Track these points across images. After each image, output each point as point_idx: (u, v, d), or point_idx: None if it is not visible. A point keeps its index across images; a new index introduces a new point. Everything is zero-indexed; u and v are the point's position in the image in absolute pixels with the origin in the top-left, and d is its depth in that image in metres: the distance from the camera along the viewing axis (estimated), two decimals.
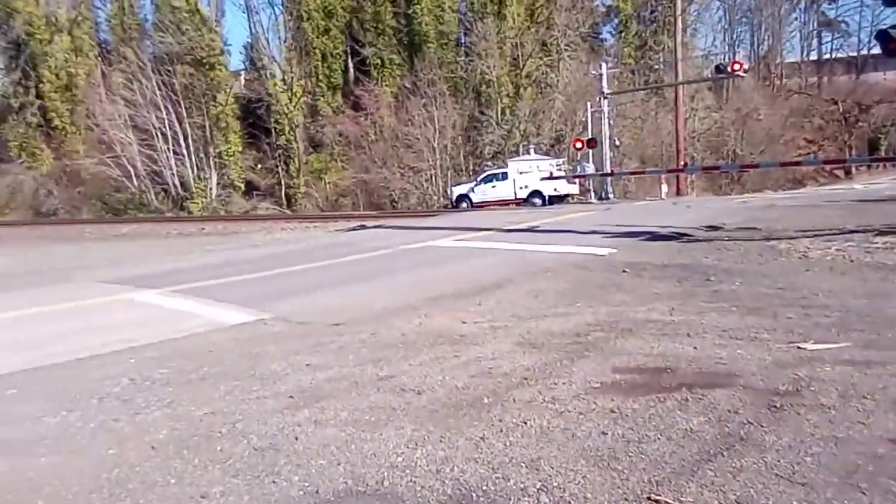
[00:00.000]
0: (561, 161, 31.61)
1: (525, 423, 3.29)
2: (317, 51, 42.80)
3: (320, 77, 43.15)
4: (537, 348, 4.60)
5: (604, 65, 30.29)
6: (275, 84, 41.20)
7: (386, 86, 42.70)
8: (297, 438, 3.29)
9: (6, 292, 9.52)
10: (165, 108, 39.91)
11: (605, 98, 28.73)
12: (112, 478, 2.99)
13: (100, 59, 45.59)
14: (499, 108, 39.64)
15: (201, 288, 8.15)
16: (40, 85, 42.45)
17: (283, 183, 41.34)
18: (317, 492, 2.73)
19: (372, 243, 12.27)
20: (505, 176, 30.41)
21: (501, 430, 3.21)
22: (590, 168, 27.08)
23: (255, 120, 41.90)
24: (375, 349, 4.89)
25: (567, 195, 29.76)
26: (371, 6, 43.23)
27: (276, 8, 44.17)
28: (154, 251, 16.24)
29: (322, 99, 43.07)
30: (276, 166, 41.62)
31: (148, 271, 10.86)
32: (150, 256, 14.73)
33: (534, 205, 27.94)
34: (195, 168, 40.36)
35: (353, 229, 17.56)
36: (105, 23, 47.00)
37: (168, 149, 40.05)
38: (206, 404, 3.90)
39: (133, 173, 40.38)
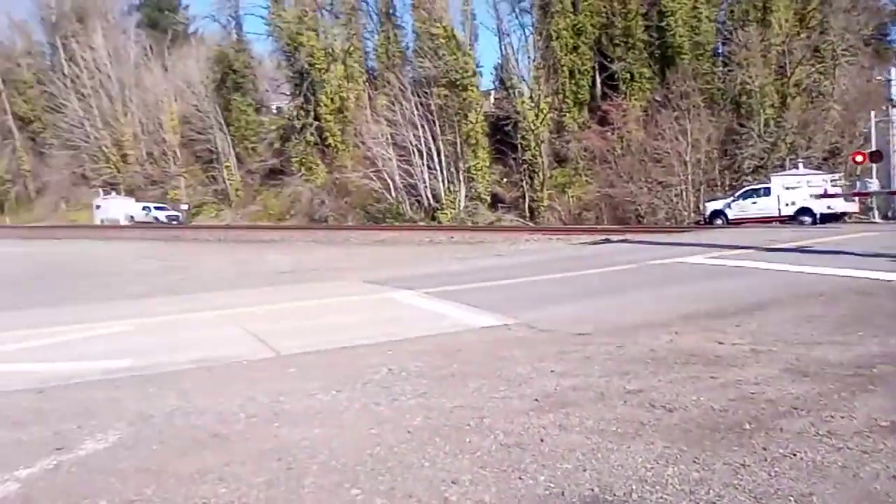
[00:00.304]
0: (837, 176, 28.12)
1: (794, 454, 2.95)
2: (565, 68, 43.08)
3: (567, 93, 43.37)
4: (809, 377, 4.11)
5: (893, 70, 26.50)
6: (522, 102, 42.25)
7: (635, 99, 41.62)
8: (542, 440, 3.29)
9: (290, 286, 10.91)
10: (422, 126, 42.96)
11: (893, 107, 25.12)
12: (373, 454, 3.24)
13: (367, 84, 50.59)
14: (761, 120, 36.49)
15: (451, 291, 8.57)
16: (318, 108, 48.11)
17: (526, 196, 42.17)
18: (563, 493, 2.70)
19: (617, 257, 11.98)
20: (767, 191, 27.90)
21: (765, 459, 2.92)
22: (873, 184, 23.79)
23: (503, 136, 43.31)
24: (622, 362, 4.74)
25: (843, 214, 26.44)
26: (622, 21, 42.49)
27: (526, 29, 45.38)
28: (409, 256, 17.50)
29: (568, 115, 43.23)
30: (521, 180, 42.59)
31: (404, 274, 11.73)
32: (405, 261, 15.92)
33: (801, 223, 25.23)
34: (446, 181, 42.82)
35: (597, 243, 17.28)
36: (372, 52, 52.27)
37: (422, 164, 43.01)
38: (456, 398, 4.08)
39: (391, 186, 43.97)
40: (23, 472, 3.18)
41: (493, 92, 49.44)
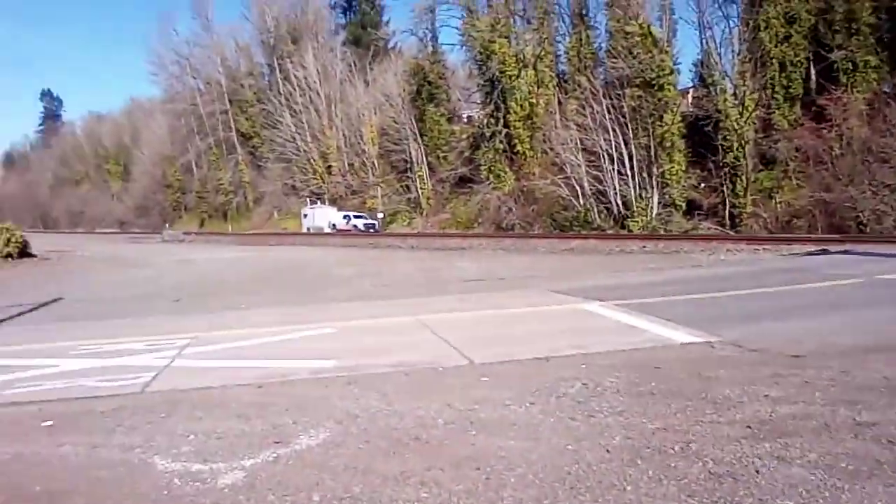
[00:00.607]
0: None
1: None
2: (774, 60, 39.69)
3: (776, 88, 39.91)
4: None
5: None
6: (725, 99, 39.55)
7: (858, 92, 37.27)
8: (757, 472, 3.02)
9: (479, 294, 11.07)
10: (613, 130, 41.71)
11: None
12: (572, 472, 3.16)
13: (557, 88, 50.17)
14: None
15: (645, 304, 8.22)
16: (507, 115, 48.55)
17: (727, 202, 39.31)
18: None
19: (836, 270, 10.78)
20: None
21: None
22: None
23: (701, 138, 40.76)
24: (849, 390, 4.23)
25: None
26: (843, 5, 38.29)
27: (730, 21, 42.39)
28: (598, 266, 17.06)
29: (777, 112, 39.73)
30: (721, 185, 39.79)
31: (594, 284, 11.45)
32: (594, 271, 15.54)
33: None
34: (637, 187, 41.22)
35: (813, 254, 15.68)
36: (563, 55, 51.61)
37: (613, 169, 41.75)
38: (658, 419, 3.87)
39: (580, 193, 43.18)
40: (247, 462, 3.51)
41: (690, 90, 46.88)
